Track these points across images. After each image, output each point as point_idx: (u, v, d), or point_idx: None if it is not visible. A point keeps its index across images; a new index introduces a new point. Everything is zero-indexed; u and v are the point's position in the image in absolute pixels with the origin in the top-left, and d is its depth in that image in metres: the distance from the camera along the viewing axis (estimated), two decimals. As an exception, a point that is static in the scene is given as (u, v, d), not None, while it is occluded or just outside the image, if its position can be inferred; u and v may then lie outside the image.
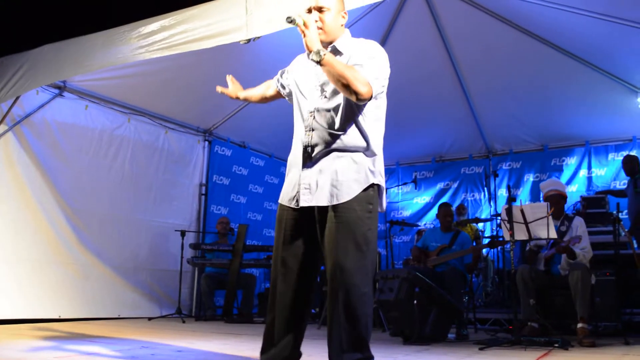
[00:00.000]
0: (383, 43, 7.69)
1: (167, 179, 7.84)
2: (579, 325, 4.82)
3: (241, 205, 8.88)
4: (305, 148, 2.73)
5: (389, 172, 10.13)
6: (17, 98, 5.83)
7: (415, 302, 4.85)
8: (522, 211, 4.82)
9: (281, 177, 9.50)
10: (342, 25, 2.80)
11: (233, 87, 3.30)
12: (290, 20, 2.53)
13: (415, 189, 9.41)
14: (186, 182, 8.16)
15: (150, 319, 6.88)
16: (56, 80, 5.92)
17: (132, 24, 4.82)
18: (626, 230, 6.45)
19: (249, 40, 4.17)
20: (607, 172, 8.43)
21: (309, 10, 2.74)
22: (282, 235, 2.77)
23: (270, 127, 8.75)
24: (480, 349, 4.40)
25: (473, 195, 9.38)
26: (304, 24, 2.51)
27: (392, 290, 4.92)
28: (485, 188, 9.10)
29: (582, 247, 5.16)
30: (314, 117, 2.72)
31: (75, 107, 6.69)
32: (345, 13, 2.81)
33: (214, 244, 7.58)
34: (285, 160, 2.94)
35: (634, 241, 6.44)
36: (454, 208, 8.67)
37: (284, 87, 3.06)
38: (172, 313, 7.04)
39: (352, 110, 2.69)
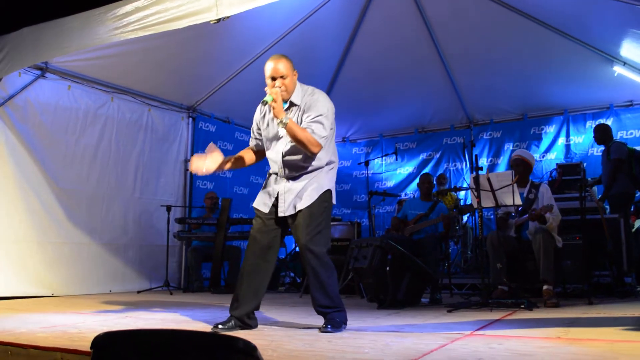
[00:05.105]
0: (360, 19, 7.84)
1: (153, 156, 8.00)
2: (544, 287, 5.06)
3: (227, 180, 9.05)
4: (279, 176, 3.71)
5: (373, 144, 10.32)
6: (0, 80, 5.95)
7: (387, 268, 5.06)
8: (488, 179, 5.01)
9: (267, 151, 9.68)
10: (295, 81, 3.68)
11: (214, 160, 3.78)
12: (265, 103, 3.49)
13: (396, 160, 9.59)
14: (172, 159, 8.32)
15: (139, 292, 7.10)
16: (36, 62, 6.02)
17: (108, 5, 4.93)
18: (597, 198, 6.65)
19: (218, 20, 4.29)
20: (584, 139, 8.60)
21: (273, 79, 3.56)
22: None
23: (254, 102, 8.72)
24: (449, 311, 4.62)
25: (455, 165, 9.56)
26: (273, 100, 3.41)
27: (365, 257, 5.13)
28: (467, 157, 9.28)
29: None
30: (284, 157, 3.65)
31: (58, 87, 6.81)
32: (295, 71, 3.68)
33: (199, 218, 7.78)
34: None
35: (607, 208, 6.65)
36: (435, 178, 8.89)
37: (260, 140, 3.90)
38: (160, 286, 7.26)
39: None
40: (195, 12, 4.37)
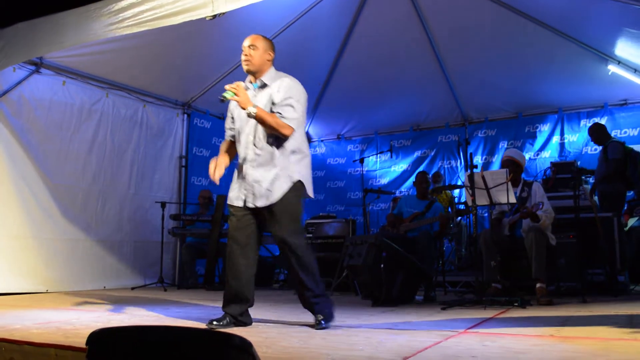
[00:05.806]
0: (356, 17, 7.84)
1: (148, 153, 7.99)
2: (537, 285, 5.08)
3: (222, 177, 8.98)
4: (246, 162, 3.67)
5: (368, 141, 10.31)
6: (-6, 75, 5.94)
7: (382, 266, 5.07)
8: (483, 177, 5.02)
9: (261, 148, 9.69)
10: (268, 60, 3.73)
11: (220, 169, 3.82)
12: (222, 99, 3.50)
13: (391, 157, 9.59)
14: (166, 155, 8.32)
15: (133, 288, 7.09)
16: (31, 57, 6.02)
17: (103, 1, 4.91)
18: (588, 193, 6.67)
19: (214, 16, 4.28)
20: (579, 138, 8.62)
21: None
22: None
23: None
24: (443, 308, 4.64)
25: (450, 163, 9.58)
26: (236, 94, 3.49)
27: (360, 255, 5.13)
28: (461, 155, 9.30)
29: (544, 209, 5.37)
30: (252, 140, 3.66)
31: (53, 83, 6.80)
32: (271, 52, 3.74)
33: (194, 214, 7.77)
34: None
35: (597, 204, 6.67)
36: (430, 176, 8.91)
37: (234, 130, 3.85)
38: (154, 282, 7.25)
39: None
40: (191, 8, 4.37)
